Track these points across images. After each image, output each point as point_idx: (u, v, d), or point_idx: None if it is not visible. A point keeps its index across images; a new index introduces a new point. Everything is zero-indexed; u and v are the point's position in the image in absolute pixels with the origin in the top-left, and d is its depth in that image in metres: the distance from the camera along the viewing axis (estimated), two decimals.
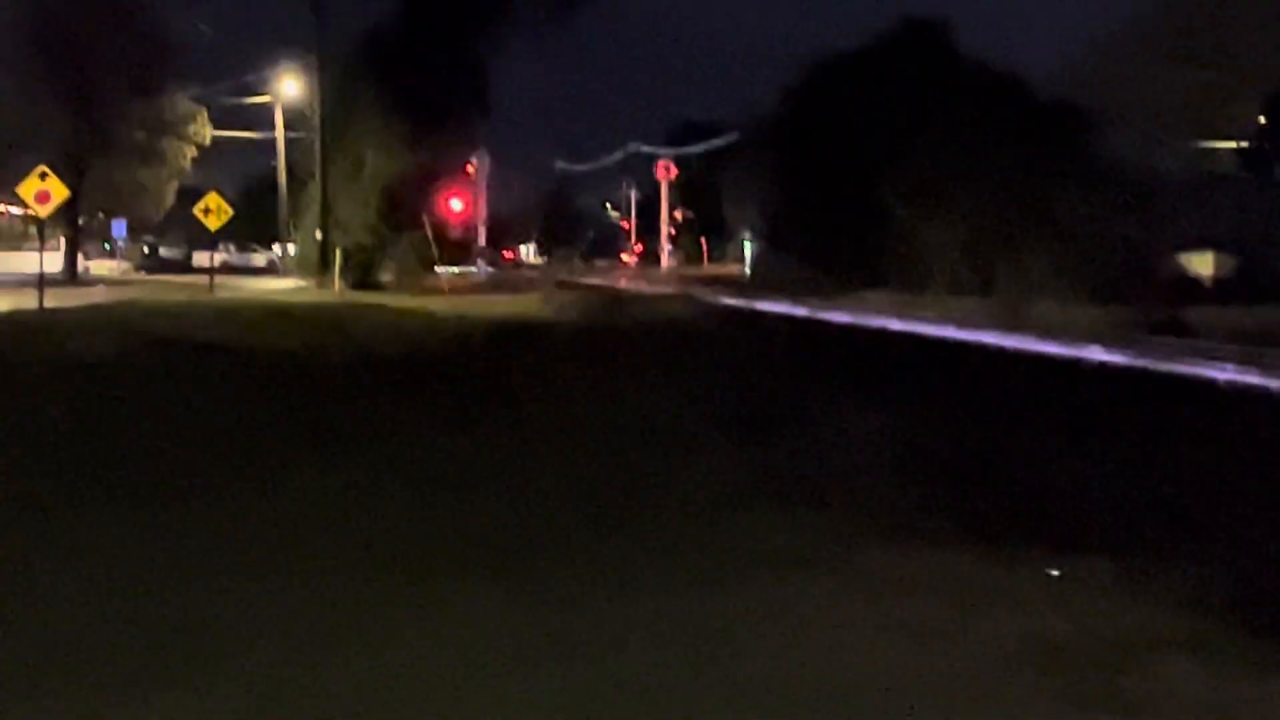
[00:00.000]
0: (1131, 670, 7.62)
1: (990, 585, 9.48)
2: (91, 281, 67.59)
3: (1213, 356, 25.80)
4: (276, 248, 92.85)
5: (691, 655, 7.90)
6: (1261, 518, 11.68)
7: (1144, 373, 24.18)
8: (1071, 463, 14.27)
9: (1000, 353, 28.79)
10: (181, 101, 75.94)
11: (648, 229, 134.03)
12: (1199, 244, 51.67)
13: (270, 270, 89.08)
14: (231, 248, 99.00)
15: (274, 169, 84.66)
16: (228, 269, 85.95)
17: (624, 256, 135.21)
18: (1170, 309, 37.90)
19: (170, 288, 60.61)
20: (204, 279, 60.70)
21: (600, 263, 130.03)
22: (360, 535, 11.17)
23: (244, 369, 25.41)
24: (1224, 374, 22.87)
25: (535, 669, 7.61)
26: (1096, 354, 26.99)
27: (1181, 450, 14.88)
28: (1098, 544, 10.47)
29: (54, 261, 67.58)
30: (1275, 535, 11.01)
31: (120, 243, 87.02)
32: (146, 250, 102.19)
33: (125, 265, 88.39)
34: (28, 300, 39.89)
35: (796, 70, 69.69)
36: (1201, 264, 51.92)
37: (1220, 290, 47.39)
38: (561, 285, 69.06)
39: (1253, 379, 22.23)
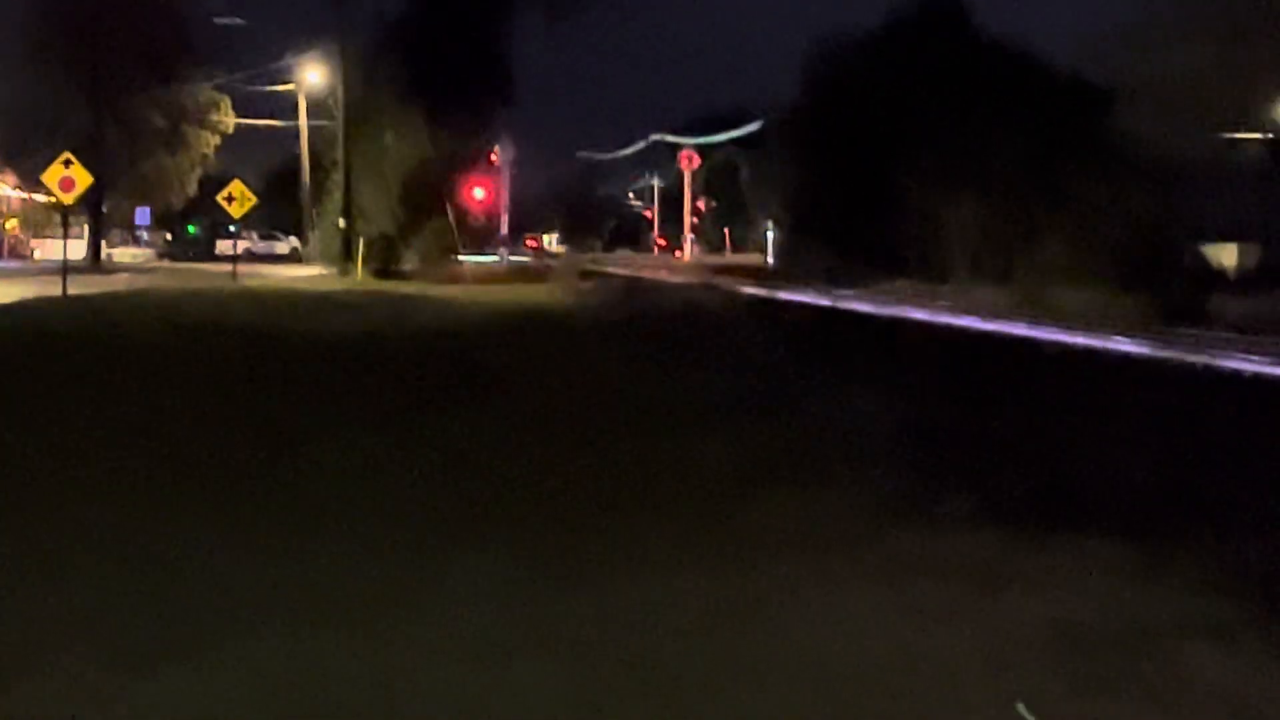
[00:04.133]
0: (1152, 655, 7.56)
1: (1010, 568, 9.43)
2: (115, 269, 67.76)
3: (1237, 348, 25.72)
4: (299, 236, 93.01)
5: (702, 636, 7.88)
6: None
7: (1168, 364, 24.09)
8: (1094, 450, 14.22)
9: (1023, 343, 28.71)
10: (204, 89, 76.14)
11: (670, 218, 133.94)
12: (1223, 234, 51.51)
13: (293, 258, 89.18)
14: (254, 235, 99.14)
15: (297, 157, 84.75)
16: (250, 257, 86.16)
17: (648, 245, 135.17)
18: (1193, 298, 37.79)
19: (193, 275, 60.77)
20: (227, 267, 60.89)
21: (623, 252, 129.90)
22: (371, 513, 11.19)
23: (266, 351, 25.48)
24: (1249, 365, 22.78)
25: (542, 649, 7.59)
26: (1119, 344, 26.93)
27: (1206, 440, 14.82)
28: (1119, 528, 10.40)
29: (77, 249, 67.71)
30: None
31: (143, 231, 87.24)
32: (170, 238, 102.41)
33: (148, 253, 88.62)
34: (51, 288, 39.98)
35: (817, 55, 69.43)
36: (1225, 254, 51.75)
37: (1244, 281, 47.22)
38: (584, 274, 68.91)
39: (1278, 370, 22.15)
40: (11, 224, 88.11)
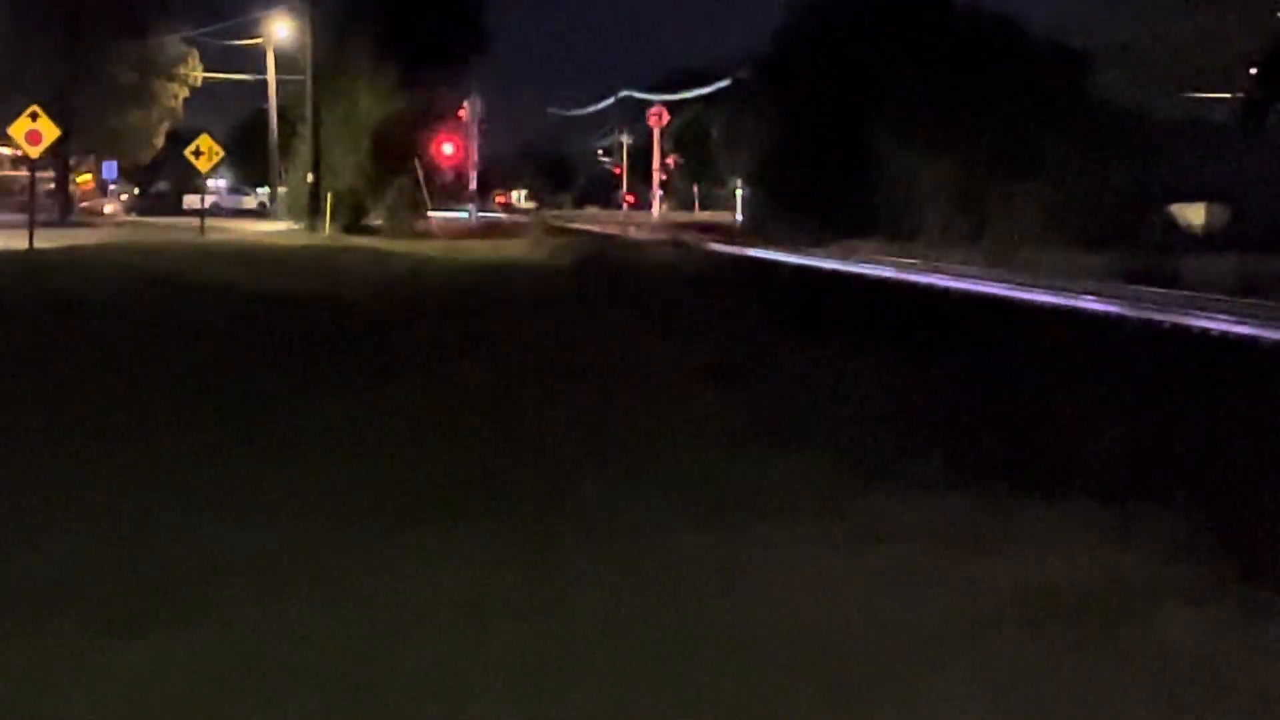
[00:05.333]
0: (1128, 618, 7.55)
1: (983, 530, 9.41)
2: (82, 223, 67.39)
3: (1203, 307, 25.78)
4: (267, 190, 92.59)
5: (674, 599, 7.85)
6: (1254, 467, 11.61)
7: (1136, 322, 24.10)
8: (1067, 410, 14.19)
9: (995, 302, 28.70)
10: (172, 42, 75.60)
11: (640, 175, 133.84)
12: (1192, 194, 51.57)
13: (261, 213, 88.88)
14: (222, 189, 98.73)
15: (265, 112, 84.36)
16: (218, 211, 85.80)
17: (618, 202, 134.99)
18: (1162, 258, 37.87)
19: (160, 230, 60.48)
20: (195, 221, 60.63)
21: (592, 208, 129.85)
22: (345, 473, 11.10)
23: (233, 308, 25.39)
24: (1215, 324, 22.79)
25: (514, 613, 7.54)
26: (1089, 304, 26.96)
27: (1176, 400, 14.80)
28: (1093, 490, 10.39)
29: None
30: (1269, 484, 10.94)
31: (111, 184, 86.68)
32: (137, 192, 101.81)
33: (116, 206, 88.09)
34: (17, 241, 39.80)
35: (790, 12, 69.32)
36: (1194, 214, 51.83)
37: (1213, 240, 47.32)
38: (552, 230, 68.81)
39: (1245, 330, 22.17)
40: None
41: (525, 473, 11.30)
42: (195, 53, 77.95)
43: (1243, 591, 8.06)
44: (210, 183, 78.93)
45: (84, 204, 79.99)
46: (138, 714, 6.16)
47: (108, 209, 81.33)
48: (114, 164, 79.97)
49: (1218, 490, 10.69)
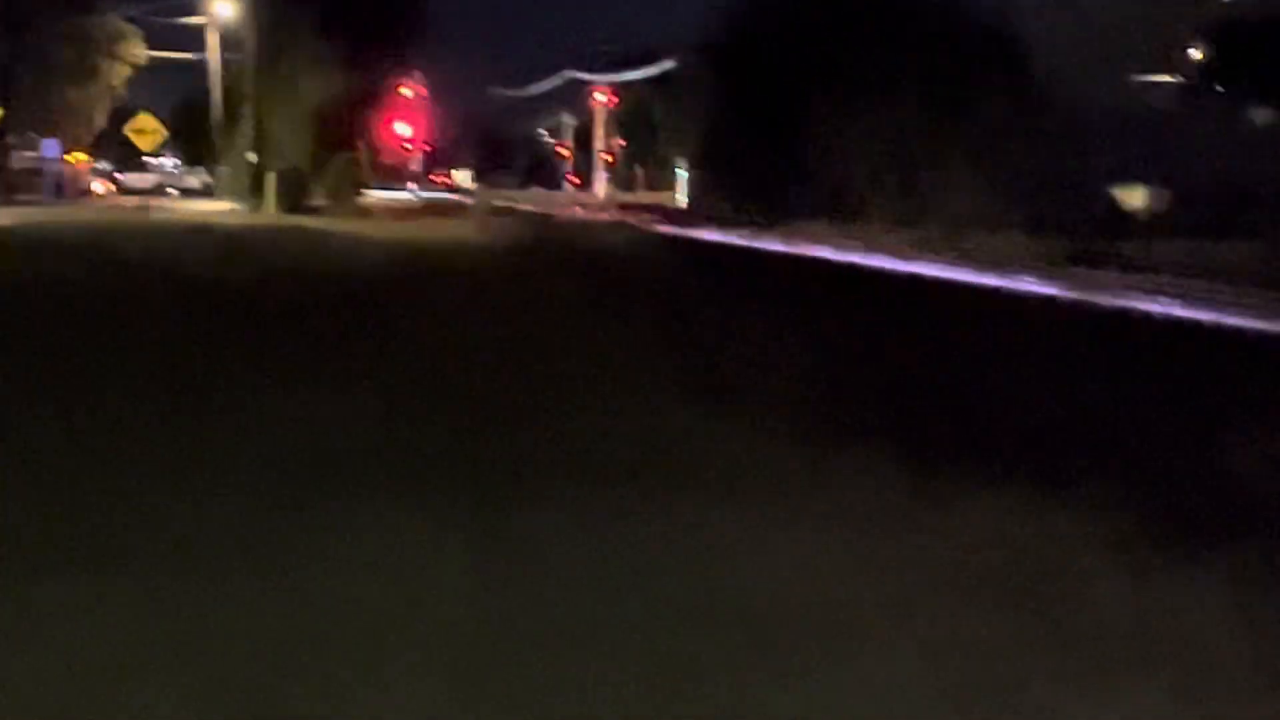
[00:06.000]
0: (1061, 594, 7.64)
1: (918, 506, 9.49)
2: (21, 202, 67.04)
3: (1141, 289, 26.00)
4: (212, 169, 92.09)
5: (605, 574, 7.87)
6: (1183, 442, 11.79)
7: (1075, 304, 24.31)
8: (1005, 389, 14.36)
9: (935, 284, 28.89)
10: (114, 20, 75.19)
11: (584, 156, 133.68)
12: (1135, 176, 51.80)
13: (204, 192, 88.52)
14: (165, 168, 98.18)
15: (208, 91, 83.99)
16: (160, 190, 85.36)
17: (561, 183, 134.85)
18: (1101, 241, 38.05)
19: (102, 209, 60.24)
20: (136, 200, 60.46)
21: (536, 189, 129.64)
22: (269, 450, 11.07)
23: (173, 289, 25.36)
24: (1152, 307, 23.02)
25: (436, 589, 7.55)
26: (1028, 285, 27.16)
27: (1111, 380, 14.99)
28: (1029, 468, 10.54)
29: None
30: (1198, 459, 11.10)
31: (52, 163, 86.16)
32: None
33: (109, 186, 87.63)
34: None
35: None
36: (1135, 197, 52.05)
37: (1153, 224, 47.58)
38: (496, 211, 68.82)
39: (1177, 311, 22.40)
40: None
41: (454, 440, 11.44)
42: (138, 31, 77.52)
43: (1175, 567, 8.19)
44: (164, 162, 78.74)
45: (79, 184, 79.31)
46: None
47: (98, 189, 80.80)
48: (55, 142, 79.50)
49: (1141, 465, 10.88)
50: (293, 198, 63.91)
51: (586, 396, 13.95)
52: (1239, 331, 19.66)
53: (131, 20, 77.17)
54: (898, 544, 8.62)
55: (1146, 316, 21.73)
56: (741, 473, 10.55)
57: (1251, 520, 9.33)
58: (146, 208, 55.52)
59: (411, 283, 28.91)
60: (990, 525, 9.05)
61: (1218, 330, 20.13)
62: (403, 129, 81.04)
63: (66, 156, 78.44)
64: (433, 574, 7.81)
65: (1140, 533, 8.83)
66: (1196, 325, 20.89)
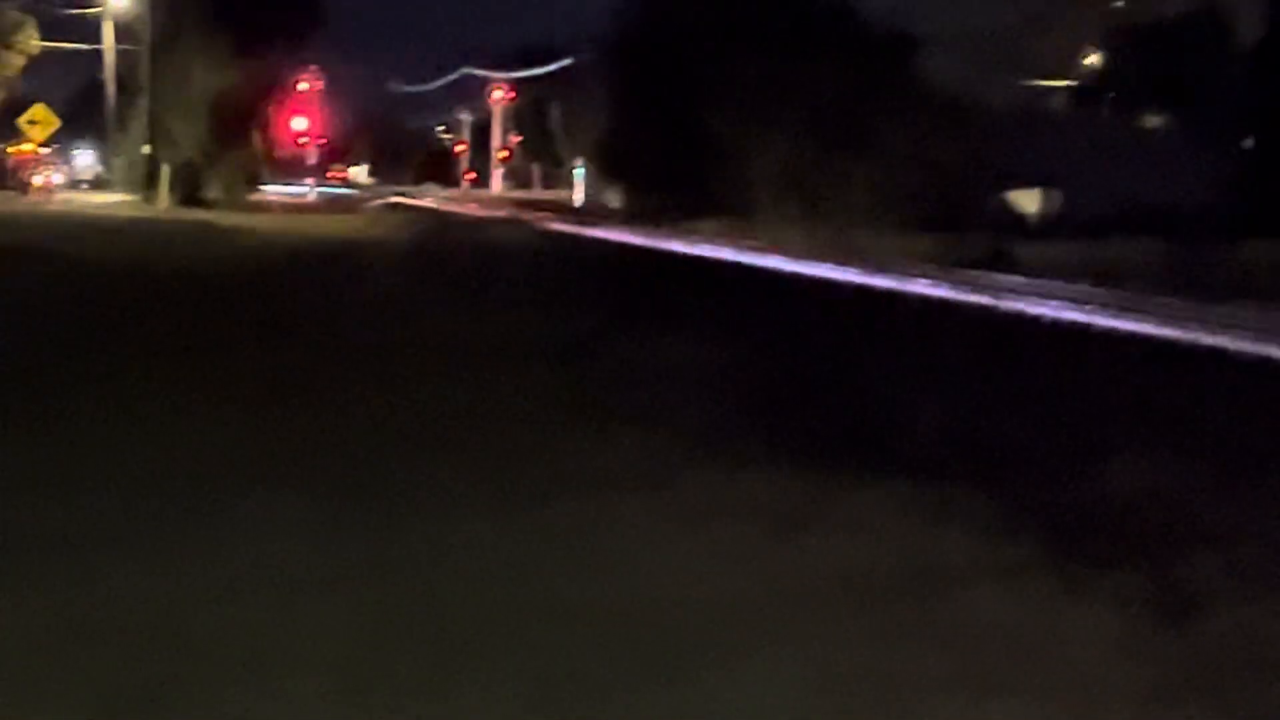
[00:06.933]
0: (943, 598, 7.71)
1: (805, 509, 9.57)
2: None
3: (1030, 293, 26.24)
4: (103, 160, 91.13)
5: (499, 578, 7.96)
6: (1070, 445, 11.91)
7: (963, 306, 24.54)
8: (893, 392, 14.45)
9: (826, 284, 29.00)
10: (7, 11, 74.40)
11: (480, 153, 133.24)
12: (1029, 180, 52.27)
13: (97, 184, 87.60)
14: (57, 160, 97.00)
15: (103, 82, 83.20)
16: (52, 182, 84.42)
17: (458, 179, 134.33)
18: (993, 244, 38.33)
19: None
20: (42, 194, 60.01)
21: (431, 185, 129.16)
22: (172, 452, 11.12)
23: (57, 279, 25.23)
24: (1046, 310, 23.25)
25: (333, 593, 7.61)
26: (919, 287, 27.34)
27: (1000, 382, 15.13)
28: (913, 470, 10.64)
29: None
30: (1085, 462, 11.19)
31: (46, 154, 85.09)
32: None
33: (48, 180, 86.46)
34: None
35: None
36: (1028, 200, 52.55)
37: (1045, 227, 48.06)
38: (391, 207, 68.66)
39: (1069, 315, 22.64)
40: None
41: (349, 448, 11.53)
42: (32, 21, 76.70)
43: (1058, 571, 8.26)
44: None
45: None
46: None
47: (37, 182, 79.52)
48: None
49: (1023, 468, 11.03)
50: (187, 190, 63.47)
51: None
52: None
53: (26, 10, 76.39)
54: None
55: (1037, 319, 22.02)
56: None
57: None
58: (48, 201, 54.91)
59: (283, 276, 28.87)
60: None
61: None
62: (299, 123, 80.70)
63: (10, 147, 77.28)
64: None
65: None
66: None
